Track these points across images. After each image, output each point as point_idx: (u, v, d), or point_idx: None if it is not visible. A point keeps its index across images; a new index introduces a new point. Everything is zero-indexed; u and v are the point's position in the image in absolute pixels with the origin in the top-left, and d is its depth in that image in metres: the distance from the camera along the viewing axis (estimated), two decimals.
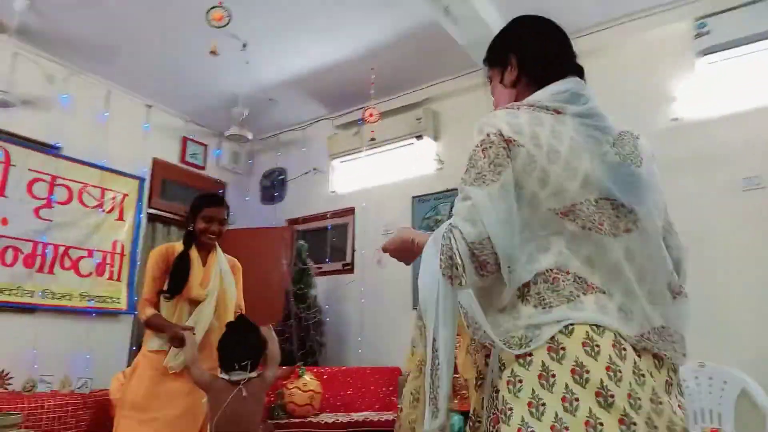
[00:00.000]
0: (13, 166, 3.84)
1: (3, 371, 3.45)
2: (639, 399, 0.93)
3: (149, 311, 2.42)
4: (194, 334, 2.31)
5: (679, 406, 1.04)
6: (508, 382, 1.01)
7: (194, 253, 2.55)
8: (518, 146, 1.07)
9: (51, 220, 3.99)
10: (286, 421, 3.51)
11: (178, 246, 2.57)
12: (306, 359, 4.24)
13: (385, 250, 1.38)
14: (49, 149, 4.09)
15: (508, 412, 0.98)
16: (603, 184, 1.08)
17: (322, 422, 3.48)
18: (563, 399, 0.93)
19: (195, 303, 2.47)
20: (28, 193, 3.90)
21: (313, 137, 5.34)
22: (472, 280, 1.02)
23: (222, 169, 5.52)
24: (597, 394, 0.93)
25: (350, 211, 5.04)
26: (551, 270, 1.03)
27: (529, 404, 0.96)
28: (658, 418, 0.95)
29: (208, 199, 2.64)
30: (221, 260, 2.65)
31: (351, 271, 4.89)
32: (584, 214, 1.05)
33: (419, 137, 4.58)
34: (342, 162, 5.12)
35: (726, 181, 3.33)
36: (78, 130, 4.25)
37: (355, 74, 4.45)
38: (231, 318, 2.47)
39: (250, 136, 4.64)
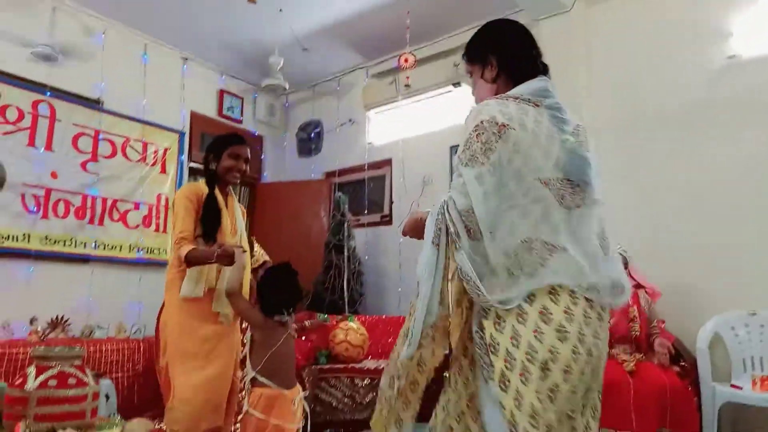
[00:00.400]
0: (59, 121, 3.93)
1: (62, 318, 3.63)
2: (584, 335, 1.28)
3: (188, 246, 2.27)
4: (244, 252, 2.25)
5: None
6: (494, 324, 1.31)
7: (219, 197, 2.44)
8: (510, 129, 1.32)
9: (98, 174, 4.09)
10: (330, 366, 3.59)
11: (203, 187, 2.44)
12: (347, 309, 4.32)
13: (404, 233, 1.61)
14: (92, 104, 4.15)
15: (497, 346, 1.30)
16: (566, 166, 1.35)
17: (365, 368, 3.56)
18: (534, 331, 1.27)
19: None
20: (73, 148, 4.00)
21: (349, 87, 5.27)
22: (466, 243, 1.29)
23: (258, 123, 5.53)
24: (557, 330, 1.27)
25: (387, 162, 5.00)
26: (529, 239, 1.30)
27: (510, 338, 1.29)
28: (596, 350, 1.31)
29: (233, 136, 2.55)
30: (237, 206, 2.57)
31: (389, 222, 4.89)
32: (555, 188, 1.34)
33: (457, 84, 4.46)
34: (378, 112, 5.05)
35: None
36: (117, 84, 4.29)
37: (390, 20, 4.32)
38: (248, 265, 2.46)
39: (286, 86, 4.61)
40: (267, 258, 3.74)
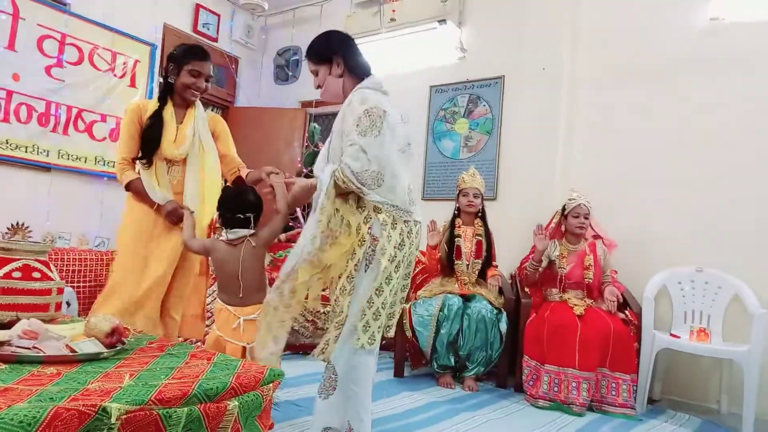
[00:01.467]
0: (22, 19, 3.70)
1: (23, 224, 3.56)
2: (411, 249, 1.91)
3: (130, 174, 2.27)
4: (192, 213, 2.27)
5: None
6: (386, 235, 1.83)
7: (169, 110, 2.34)
8: (387, 114, 1.82)
9: (63, 81, 3.91)
10: None
11: (152, 103, 2.34)
12: None
13: (296, 199, 1.99)
14: (58, 4, 3.91)
15: (383, 251, 1.80)
16: (401, 138, 1.92)
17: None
18: (393, 246, 1.82)
19: (172, 162, 2.35)
20: (38, 50, 3.79)
21: (331, 14, 5.09)
22: (368, 190, 1.78)
23: (235, 43, 5.33)
24: (410, 243, 1.90)
25: None
26: (408, 186, 1.93)
27: (391, 244, 1.84)
28: (412, 258, 1.94)
29: (196, 50, 2.37)
30: (200, 119, 2.43)
31: None
32: (405, 154, 1.97)
33: (443, 22, 4.35)
34: (359, 44, 4.89)
35: (757, 89, 3.22)
36: None
37: None
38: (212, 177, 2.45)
39: (265, 6, 4.44)
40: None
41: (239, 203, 2.08)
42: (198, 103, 2.45)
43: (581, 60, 3.85)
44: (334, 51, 2.02)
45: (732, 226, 3.21)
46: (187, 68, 2.31)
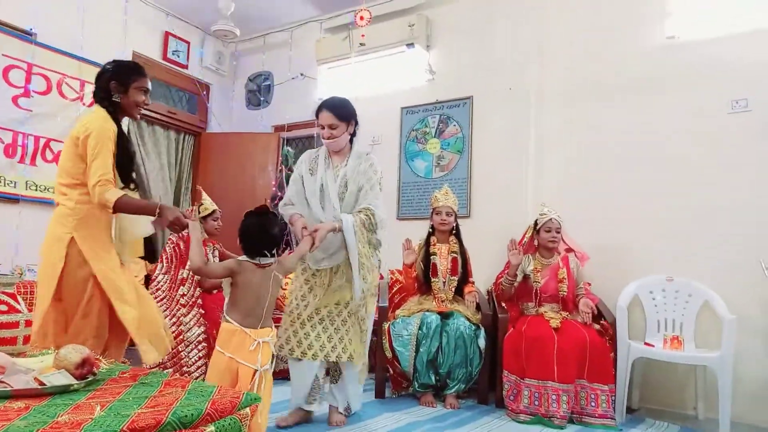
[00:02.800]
0: None
1: None
2: None
3: (117, 191, 2.08)
4: (198, 222, 2.19)
5: None
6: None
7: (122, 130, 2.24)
8: None
9: (31, 110, 3.86)
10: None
11: (110, 121, 2.18)
12: None
13: (320, 239, 2.44)
14: (23, 35, 3.88)
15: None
16: None
17: None
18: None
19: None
20: (4, 80, 3.74)
21: (301, 40, 5.16)
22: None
23: (206, 70, 5.34)
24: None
25: None
26: None
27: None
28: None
29: (138, 67, 2.31)
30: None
31: None
32: None
33: (411, 45, 4.44)
34: (330, 68, 4.97)
35: (713, 103, 3.36)
36: (53, 17, 4.02)
37: None
38: None
39: (237, 32, 4.46)
40: (216, 207, 3.71)
41: (265, 238, 2.12)
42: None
43: (547, 79, 3.96)
44: (353, 116, 2.70)
45: (699, 235, 3.31)
46: (135, 86, 2.23)
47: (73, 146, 2.11)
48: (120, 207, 2.08)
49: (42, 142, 3.94)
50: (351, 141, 2.75)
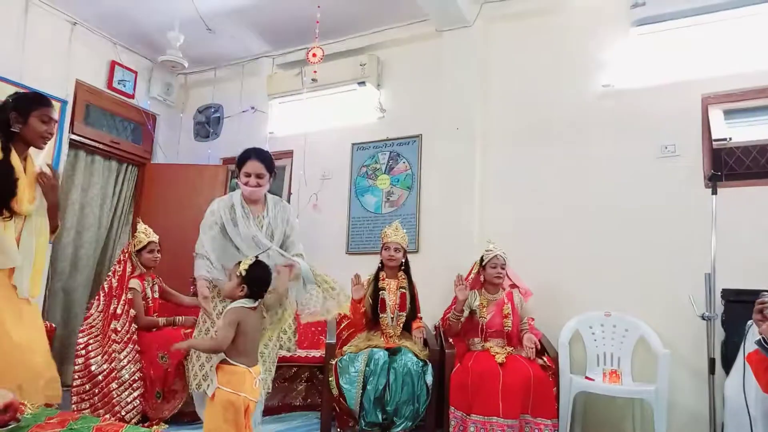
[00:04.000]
0: None
1: None
2: None
3: None
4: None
5: None
6: None
7: (17, 161, 2.20)
8: None
9: None
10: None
11: None
12: None
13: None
14: None
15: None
16: None
17: None
18: None
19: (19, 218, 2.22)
20: None
21: (253, 74, 5.17)
22: None
23: (153, 100, 5.25)
24: None
25: (288, 153, 4.98)
26: None
27: None
28: None
29: (40, 98, 2.35)
30: (35, 168, 2.34)
31: None
32: None
33: (362, 83, 4.55)
34: (282, 103, 5.00)
35: (645, 147, 3.58)
36: None
37: (301, 11, 4.32)
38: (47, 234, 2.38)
39: (186, 64, 4.43)
40: (153, 239, 3.59)
41: (267, 282, 2.35)
42: (31, 153, 2.35)
43: (492, 120, 4.12)
44: (274, 168, 2.85)
45: (635, 273, 3.46)
46: (36, 115, 2.25)
47: None
48: None
49: None
50: None
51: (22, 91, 2.44)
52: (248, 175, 2.71)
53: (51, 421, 1.40)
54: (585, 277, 3.61)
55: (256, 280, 2.29)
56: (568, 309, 3.53)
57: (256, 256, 2.39)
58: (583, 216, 3.69)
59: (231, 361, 2.18)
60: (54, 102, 4.16)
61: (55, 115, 2.34)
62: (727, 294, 3.03)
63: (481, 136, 4.10)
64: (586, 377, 3.23)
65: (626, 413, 3.33)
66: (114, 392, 3.05)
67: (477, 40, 4.18)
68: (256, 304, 2.30)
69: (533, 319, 3.42)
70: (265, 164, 2.74)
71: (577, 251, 3.66)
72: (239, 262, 2.31)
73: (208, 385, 2.45)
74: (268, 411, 3.71)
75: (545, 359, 3.24)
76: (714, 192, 2.99)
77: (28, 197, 2.22)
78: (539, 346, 3.26)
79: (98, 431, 1.34)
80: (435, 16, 4.14)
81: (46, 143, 2.32)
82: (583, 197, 3.71)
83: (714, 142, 3.35)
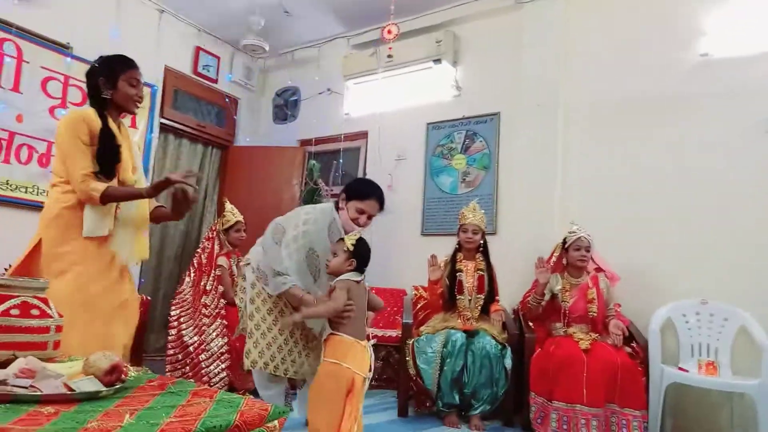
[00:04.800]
0: (26, 62, 3.76)
1: None
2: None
3: (100, 184, 2.01)
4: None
5: None
6: None
7: (115, 128, 2.15)
8: None
9: None
10: None
11: (93, 115, 2.10)
12: None
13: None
14: (61, 48, 3.98)
15: None
16: None
17: None
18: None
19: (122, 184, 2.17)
20: (42, 91, 3.84)
21: (328, 56, 5.21)
22: None
23: (234, 84, 5.42)
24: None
25: (363, 134, 4.99)
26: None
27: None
28: None
29: (128, 59, 2.23)
30: (129, 134, 2.32)
31: None
32: None
33: (438, 61, 4.46)
34: (357, 84, 5.01)
35: (749, 121, 3.27)
36: (89, 32, 4.13)
37: None
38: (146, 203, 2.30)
39: (266, 47, 4.52)
40: (239, 218, 3.73)
41: (369, 257, 2.31)
42: (122, 121, 2.31)
43: (575, 95, 3.91)
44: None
45: (735, 257, 3.20)
46: (124, 78, 2.17)
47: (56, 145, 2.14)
48: (108, 197, 2.03)
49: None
50: None
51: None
52: (362, 212, 2.45)
53: (151, 383, 1.48)
54: (678, 263, 3.37)
55: (363, 253, 2.25)
56: (659, 296, 3.32)
57: (359, 234, 2.32)
58: (676, 197, 3.44)
59: (338, 333, 2.14)
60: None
61: (141, 76, 2.25)
62: None
63: (563, 112, 3.91)
64: (680, 368, 3.03)
65: (723, 409, 3.11)
66: (203, 363, 3.20)
67: (560, 10, 3.97)
68: (362, 278, 2.26)
69: (620, 306, 3.25)
70: (382, 207, 2.55)
71: (670, 234, 3.43)
72: (342, 239, 2.27)
73: (265, 363, 2.42)
74: None
75: (633, 347, 3.08)
76: None
77: (130, 166, 2.21)
78: (627, 333, 3.10)
79: (195, 395, 1.39)
80: None
81: (137, 107, 2.25)
82: (678, 176, 3.45)
83: None
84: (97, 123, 2.09)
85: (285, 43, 5.33)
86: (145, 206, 2.28)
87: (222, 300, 3.42)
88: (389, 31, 4.24)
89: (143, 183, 2.30)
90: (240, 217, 3.76)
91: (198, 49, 5.05)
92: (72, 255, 2.04)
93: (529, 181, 3.93)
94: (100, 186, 2.01)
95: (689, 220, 3.38)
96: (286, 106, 5.55)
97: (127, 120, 4.29)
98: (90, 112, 2.11)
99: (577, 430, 2.75)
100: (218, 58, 5.24)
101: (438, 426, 3.07)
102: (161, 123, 4.74)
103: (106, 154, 2.08)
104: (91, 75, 2.19)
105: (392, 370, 3.90)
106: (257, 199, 4.84)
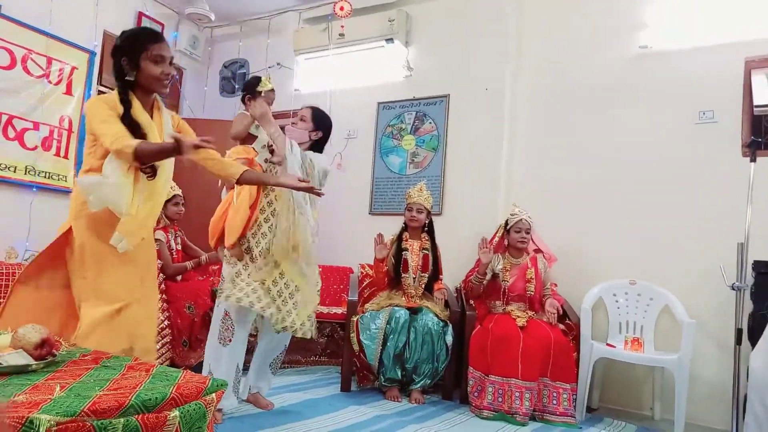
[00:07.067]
0: None
1: None
2: None
3: (134, 140, 1.86)
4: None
5: None
6: None
7: (143, 114, 2.01)
8: None
9: None
10: None
11: (115, 99, 1.98)
12: None
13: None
14: None
15: None
16: None
17: None
18: None
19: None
20: None
21: (279, 29, 5.09)
22: None
23: (179, 54, 5.21)
24: None
25: None
26: None
27: None
28: None
29: (149, 33, 2.06)
30: (168, 122, 2.14)
31: None
32: None
33: (390, 40, 4.44)
34: (308, 59, 4.92)
35: (682, 112, 3.45)
36: None
37: None
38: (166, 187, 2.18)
39: (212, 17, 4.37)
40: (178, 192, 3.63)
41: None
42: (160, 101, 2.16)
43: (522, 81, 4.01)
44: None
45: (663, 241, 3.40)
46: (146, 57, 1.97)
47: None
48: (142, 153, 1.86)
49: (4, 118, 3.77)
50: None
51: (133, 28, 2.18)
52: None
53: (85, 357, 1.45)
54: (611, 245, 3.55)
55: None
56: (592, 276, 3.50)
57: None
58: (612, 182, 3.61)
59: None
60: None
61: (168, 51, 2.04)
62: (758, 266, 2.96)
63: (510, 97, 4.00)
64: (608, 344, 3.22)
65: (646, 382, 3.33)
66: None
67: (511, 1, 4.03)
68: None
69: (556, 285, 3.40)
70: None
71: (604, 218, 3.60)
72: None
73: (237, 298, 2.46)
74: (289, 363, 3.80)
75: (567, 324, 3.23)
76: (753, 160, 2.87)
77: None
78: (561, 312, 3.25)
79: (130, 369, 1.37)
80: None
81: (166, 86, 2.05)
82: (614, 163, 3.62)
83: (755, 108, 3.22)
84: (119, 108, 1.95)
85: (234, 14, 5.16)
86: (159, 200, 2.15)
87: (161, 275, 3.33)
88: (342, 8, 4.19)
89: (170, 167, 2.15)
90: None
91: (140, 14, 4.81)
92: (101, 245, 1.94)
93: (476, 164, 4.02)
94: (133, 141, 1.86)
95: (622, 206, 3.55)
96: (233, 79, 5.40)
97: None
98: (112, 96, 1.98)
99: (511, 402, 2.89)
100: (162, 24, 5.01)
101: (380, 400, 3.14)
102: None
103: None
104: (114, 54, 2.01)
105: (336, 346, 3.94)
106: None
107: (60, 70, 4.12)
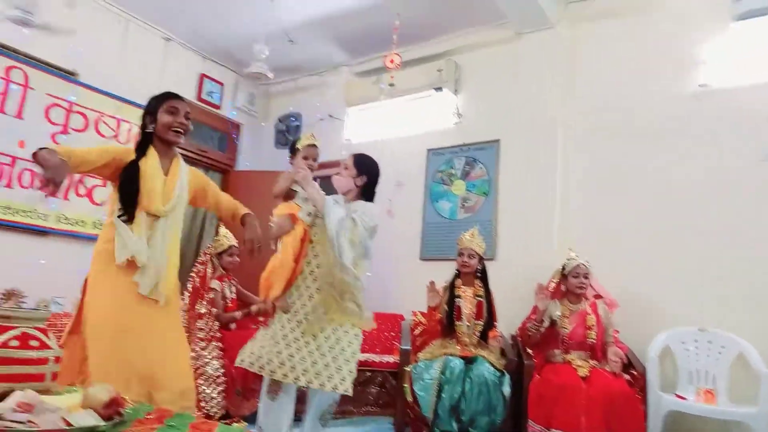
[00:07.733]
0: (32, 89, 3.83)
1: (15, 290, 3.53)
2: None
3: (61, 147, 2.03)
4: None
5: None
6: None
7: (152, 161, 2.14)
8: None
9: None
10: None
11: (127, 151, 2.15)
12: None
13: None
14: (67, 75, 4.06)
15: None
16: None
17: None
18: None
19: (154, 217, 2.12)
20: (45, 118, 3.91)
21: (331, 84, 5.29)
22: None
23: (238, 110, 5.49)
24: None
25: None
26: None
27: None
28: None
29: (169, 92, 2.25)
30: (184, 173, 2.26)
31: None
32: None
33: (439, 89, 4.53)
34: (358, 110, 5.07)
35: (745, 151, 3.31)
36: (95, 59, 4.22)
37: (379, 20, 4.36)
38: (179, 235, 2.27)
39: (271, 75, 4.57)
40: (233, 243, 3.75)
41: None
42: (179, 156, 2.30)
43: (575, 124, 3.96)
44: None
45: (733, 285, 3.21)
46: (162, 108, 2.18)
47: None
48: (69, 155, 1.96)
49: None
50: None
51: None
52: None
53: (149, 416, 1.48)
54: (676, 290, 3.38)
55: None
56: (657, 323, 3.33)
57: None
58: (675, 225, 3.46)
59: None
60: None
61: (183, 106, 2.21)
62: None
63: (562, 140, 3.96)
64: (678, 395, 3.02)
65: None
66: (200, 387, 3.19)
67: (559, 40, 4.05)
68: None
69: (618, 332, 3.25)
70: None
71: (668, 262, 3.44)
72: None
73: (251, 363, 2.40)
74: (342, 413, 3.75)
75: (632, 374, 3.07)
76: None
77: (162, 197, 2.14)
78: (625, 360, 3.09)
79: (193, 428, 1.40)
80: (515, 18, 4.05)
81: (179, 136, 2.19)
82: (676, 205, 3.48)
83: None
84: (128, 157, 2.12)
85: (288, 70, 5.41)
86: (176, 242, 2.25)
87: (216, 323, 3.42)
88: (392, 61, 4.31)
89: (178, 211, 2.27)
90: (234, 242, 3.77)
91: (203, 76, 5.13)
92: (105, 284, 2.06)
93: (529, 207, 3.96)
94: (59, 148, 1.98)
95: (687, 248, 3.40)
96: (287, 132, 5.62)
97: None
98: (127, 148, 2.22)
99: None
100: (222, 84, 5.32)
101: None
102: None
103: (123, 188, 2.08)
104: (142, 116, 2.24)
105: (389, 396, 3.87)
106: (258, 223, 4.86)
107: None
